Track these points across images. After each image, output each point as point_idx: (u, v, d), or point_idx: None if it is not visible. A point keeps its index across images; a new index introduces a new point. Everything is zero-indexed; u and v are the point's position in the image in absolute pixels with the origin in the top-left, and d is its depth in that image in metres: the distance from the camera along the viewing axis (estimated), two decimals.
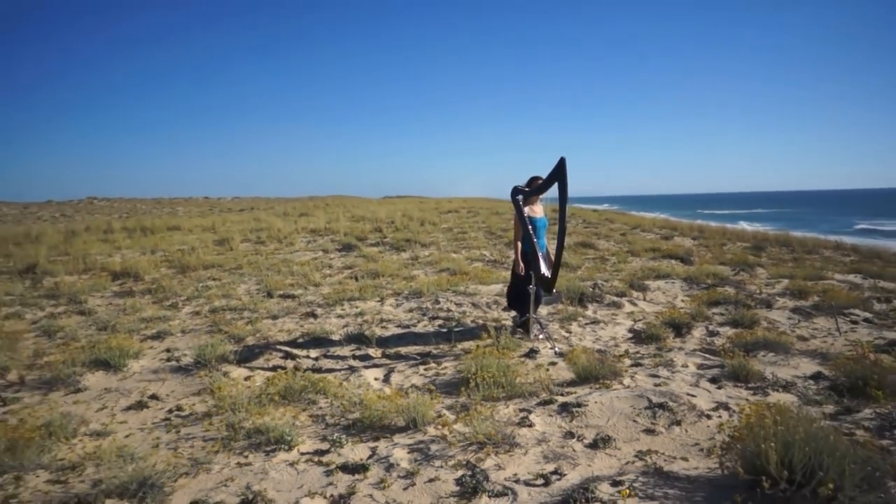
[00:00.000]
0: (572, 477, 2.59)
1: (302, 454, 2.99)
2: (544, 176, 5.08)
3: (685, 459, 2.79)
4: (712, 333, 5.37)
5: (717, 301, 6.52)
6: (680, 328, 5.44)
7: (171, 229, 15.57)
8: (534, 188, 5.19)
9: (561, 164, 4.84)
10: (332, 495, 2.53)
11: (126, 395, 4.02)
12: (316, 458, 2.92)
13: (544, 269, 5.09)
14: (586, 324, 5.74)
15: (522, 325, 5.23)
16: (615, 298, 6.67)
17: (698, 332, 5.43)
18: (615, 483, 2.48)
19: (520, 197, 5.23)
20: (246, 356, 4.77)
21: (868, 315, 6.16)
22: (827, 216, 56.68)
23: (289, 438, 3.08)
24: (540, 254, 5.16)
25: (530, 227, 5.15)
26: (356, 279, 7.80)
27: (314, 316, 6.01)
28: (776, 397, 3.60)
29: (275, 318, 5.99)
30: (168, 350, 5.01)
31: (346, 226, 14.70)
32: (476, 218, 17.86)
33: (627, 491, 2.36)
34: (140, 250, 10.80)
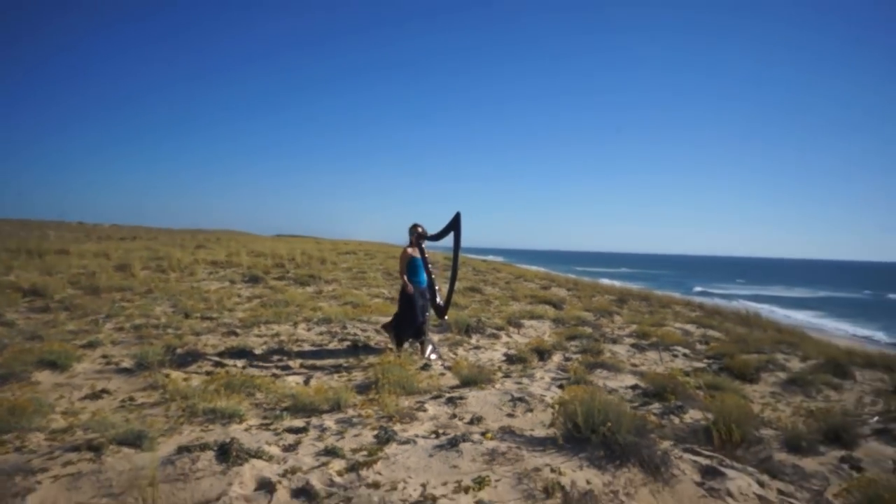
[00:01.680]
0: (455, 434, 3.77)
1: (251, 425, 3.93)
2: (420, 224, 6.44)
3: (532, 430, 4.06)
4: (567, 359, 6.84)
5: (575, 336, 8.08)
6: (543, 354, 6.88)
7: (60, 253, 15.26)
8: (434, 234, 6.49)
9: (456, 218, 6.21)
10: (283, 444, 3.53)
11: (79, 389, 4.70)
12: (264, 427, 3.88)
13: (439, 299, 6.37)
14: (470, 349, 7.04)
15: (399, 345, 6.35)
16: (495, 331, 8.04)
17: (557, 357, 6.89)
18: (482, 434, 3.70)
19: (413, 237, 6.51)
20: (180, 363, 5.54)
21: (687, 352, 7.97)
22: (678, 278, 65.12)
23: (241, 413, 4.02)
24: (420, 288, 6.40)
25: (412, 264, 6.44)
26: (267, 307, 8.62)
27: (235, 334, 6.83)
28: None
29: (198, 334, 6.73)
30: (104, 356, 5.65)
31: (247, 260, 15.24)
32: (374, 260, 18.97)
33: (490, 435, 3.59)
34: (37, 271, 10.82)
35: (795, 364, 7.47)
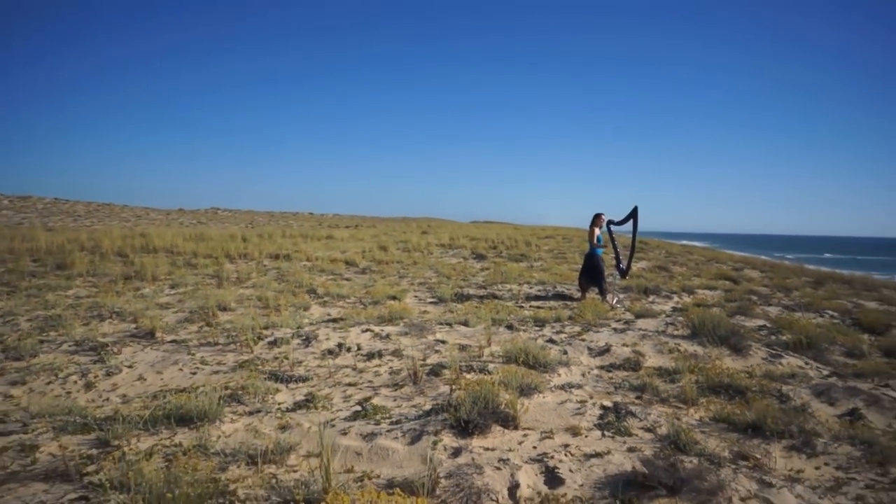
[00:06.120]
0: (625, 328, 7.31)
1: (514, 324, 7.84)
2: (603, 214, 9.93)
3: (675, 335, 7.42)
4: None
5: (736, 299, 10.91)
6: (702, 307, 9.95)
7: (328, 238, 21.23)
8: (619, 221, 9.95)
9: (635, 209, 9.61)
10: (533, 329, 7.38)
11: (414, 308, 9.05)
12: (520, 325, 7.77)
13: (622, 265, 9.88)
14: (647, 303, 10.35)
15: (602, 294, 9.95)
16: (668, 294, 11.20)
17: (715, 310, 9.90)
18: (640, 329, 7.21)
19: (606, 225, 10.06)
20: (459, 299, 9.74)
21: (836, 314, 10.37)
22: None
23: (507, 319, 7.97)
24: (598, 254, 9.95)
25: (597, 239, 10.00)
26: (496, 274, 12.72)
27: (484, 288, 10.98)
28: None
29: (461, 287, 10.98)
30: (416, 296, 10.09)
31: (467, 243, 19.79)
32: (571, 244, 22.51)
33: (644, 329, 7.11)
34: (332, 251, 16.27)
35: None
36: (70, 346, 6.26)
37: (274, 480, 3.15)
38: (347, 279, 11.70)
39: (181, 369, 5.42)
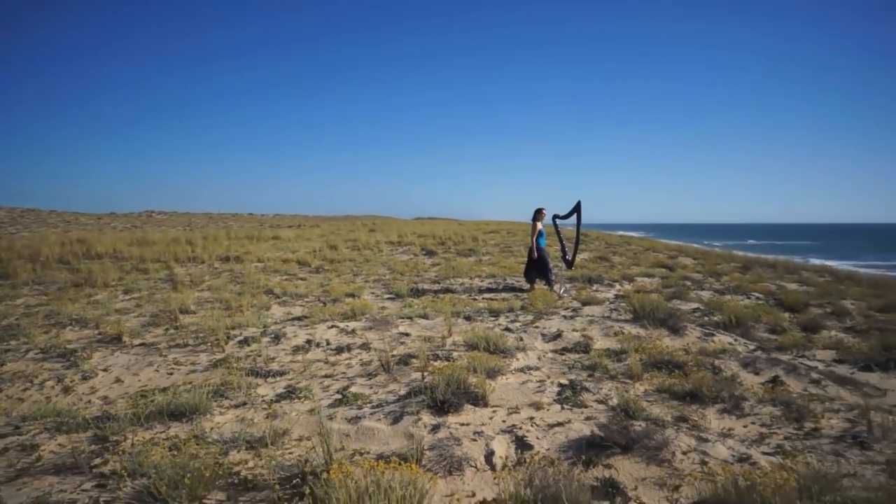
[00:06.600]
0: (574, 315, 7.90)
1: (471, 315, 8.30)
2: (544, 208, 10.52)
3: (619, 319, 8.06)
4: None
5: (672, 285, 11.73)
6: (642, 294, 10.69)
7: (274, 238, 21.21)
8: (563, 215, 10.56)
9: (578, 204, 10.24)
10: (490, 319, 7.87)
11: (373, 304, 9.40)
12: (477, 316, 8.24)
13: (568, 256, 10.50)
14: (592, 291, 11.03)
15: (549, 284, 10.57)
16: (611, 282, 11.93)
17: (654, 296, 10.65)
18: (587, 315, 7.81)
19: (552, 219, 10.65)
20: (415, 295, 10.14)
21: (761, 296, 11.32)
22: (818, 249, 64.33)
23: (464, 311, 8.42)
24: (542, 247, 10.55)
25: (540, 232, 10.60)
26: (448, 269, 13.18)
27: (438, 283, 11.42)
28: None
29: (416, 283, 11.38)
30: (372, 293, 10.43)
31: (415, 240, 20.18)
32: (515, 238, 23.24)
33: (591, 315, 7.71)
34: (282, 251, 16.37)
35: (859, 306, 10.45)
36: (36, 353, 6.35)
37: (275, 461, 3.50)
38: (303, 279, 11.91)
39: (157, 370, 5.63)
